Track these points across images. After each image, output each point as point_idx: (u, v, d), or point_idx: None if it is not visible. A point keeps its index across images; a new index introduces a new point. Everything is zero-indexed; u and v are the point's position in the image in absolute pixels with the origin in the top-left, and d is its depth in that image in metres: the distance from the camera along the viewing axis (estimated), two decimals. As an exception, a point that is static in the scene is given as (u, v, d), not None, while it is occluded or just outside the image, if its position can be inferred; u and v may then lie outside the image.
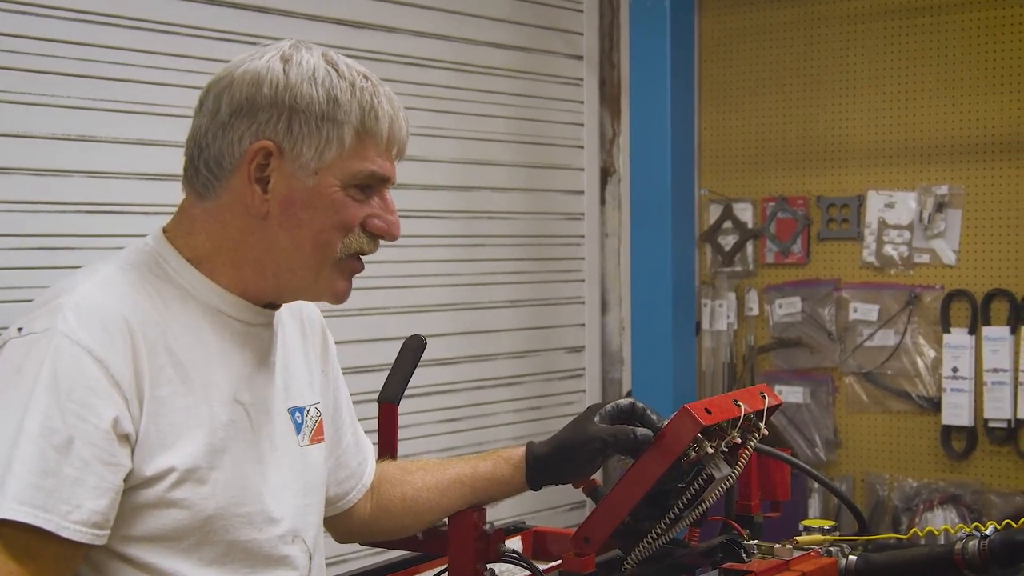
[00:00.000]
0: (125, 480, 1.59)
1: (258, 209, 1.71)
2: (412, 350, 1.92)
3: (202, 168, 1.73)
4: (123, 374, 1.60)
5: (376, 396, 2.11)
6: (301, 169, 1.70)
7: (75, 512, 1.53)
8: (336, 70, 1.73)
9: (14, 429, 1.53)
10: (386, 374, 2.11)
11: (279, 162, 1.70)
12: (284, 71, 1.71)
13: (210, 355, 1.71)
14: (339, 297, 1.79)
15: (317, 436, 1.87)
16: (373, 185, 1.75)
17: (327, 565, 1.94)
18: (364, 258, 1.80)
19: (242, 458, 1.71)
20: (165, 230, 1.78)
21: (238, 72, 1.73)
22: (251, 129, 1.70)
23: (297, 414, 1.85)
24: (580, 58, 4.77)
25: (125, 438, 1.59)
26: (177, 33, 3.40)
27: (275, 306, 1.81)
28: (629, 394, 4.74)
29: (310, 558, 1.82)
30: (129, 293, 1.67)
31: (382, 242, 1.79)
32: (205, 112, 1.74)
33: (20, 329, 1.62)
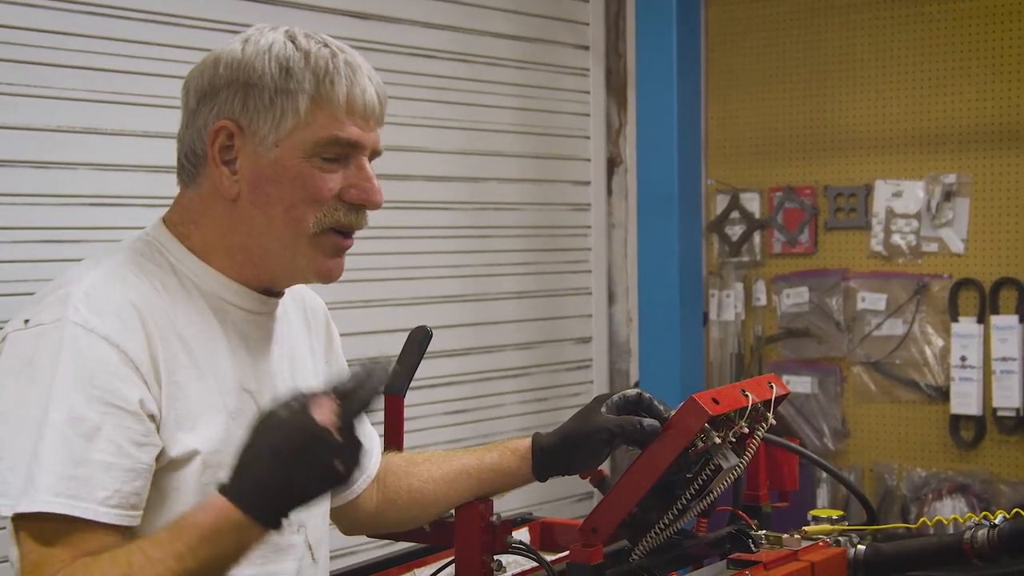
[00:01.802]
0: (156, 460, 1.60)
1: (229, 191, 1.70)
2: (418, 341, 1.91)
3: (184, 161, 1.75)
4: (141, 358, 1.60)
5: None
6: (261, 144, 1.69)
7: (113, 496, 1.54)
8: (293, 42, 1.71)
9: (37, 422, 1.53)
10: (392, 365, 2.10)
11: (242, 141, 1.69)
12: (241, 50, 1.71)
13: (216, 344, 1.71)
14: (323, 276, 1.75)
15: None
16: (344, 153, 1.72)
17: (334, 557, 1.94)
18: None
19: None
20: (165, 220, 1.78)
21: (206, 61, 1.75)
22: (213, 112, 1.70)
23: None
24: (586, 48, 4.75)
25: (151, 417, 1.60)
26: (183, 25, 3.39)
27: (276, 294, 1.79)
28: (636, 385, 4.73)
29: (309, 548, 1.81)
30: (135, 282, 1.67)
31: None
32: (183, 106, 1.76)
33: (26, 321, 1.61)
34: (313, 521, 1.82)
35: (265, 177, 1.69)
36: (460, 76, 4.25)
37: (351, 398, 1.45)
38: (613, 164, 4.82)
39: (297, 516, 1.76)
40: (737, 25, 4.74)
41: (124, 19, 3.28)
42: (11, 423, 1.55)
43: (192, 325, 1.69)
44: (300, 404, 1.45)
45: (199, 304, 1.71)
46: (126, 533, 1.57)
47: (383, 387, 1.45)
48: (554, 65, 4.63)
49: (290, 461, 1.44)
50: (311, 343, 1.92)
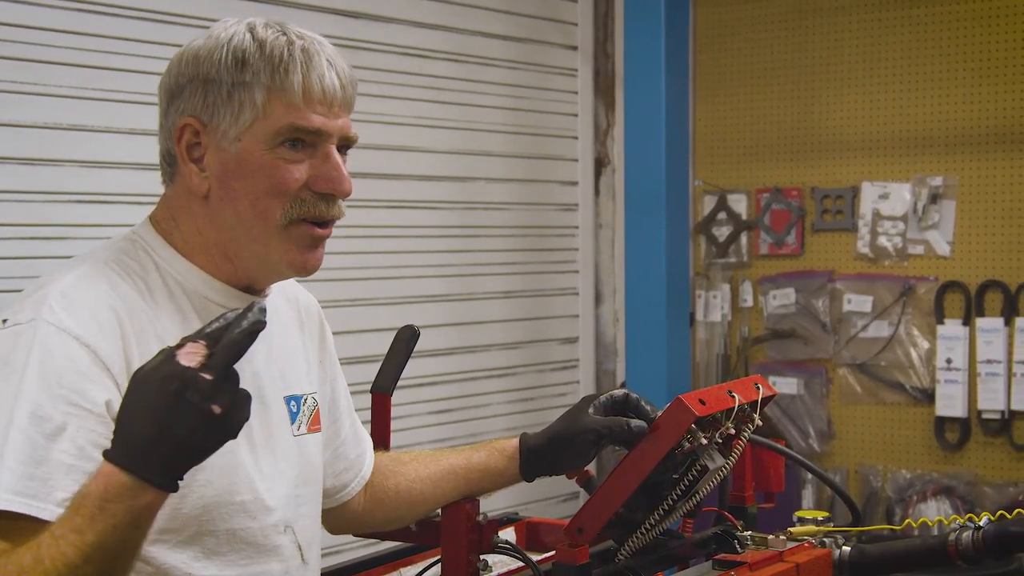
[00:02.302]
0: None
1: (199, 188, 1.69)
2: (405, 340, 1.91)
3: (161, 161, 1.74)
4: (113, 359, 1.58)
5: (369, 386, 2.10)
6: (224, 139, 1.67)
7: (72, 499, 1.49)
8: (252, 34, 1.69)
9: (4, 420, 1.51)
10: (379, 364, 2.10)
11: (207, 137, 1.68)
12: (203, 44, 1.70)
13: None
14: (298, 268, 1.72)
15: (314, 426, 1.85)
16: (310, 141, 1.68)
17: (321, 556, 1.93)
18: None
19: (235, 445, 1.63)
20: (151, 218, 1.76)
21: (173, 58, 1.73)
22: (178, 110, 1.69)
23: (292, 403, 1.82)
24: (575, 48, 4.76)
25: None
26: (173, 23, 3.38)
27: (255, 291, 1.77)
28: (623, 385, 4.74)
29: (299, 549, 1.79)
30: (116, 282, 1.65)
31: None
32: (159, 106, 1.75)
33: (5, 321, 1.60)
34: (302, 522, 1.81)
35: (231, 172, 1.68)
36: (450, 76, 4.25)
37: (220, 339, 1.38)
38: (601, 164, 4.82)
39: (283, 516, 1.75)
40: (725, 26, 4.75)
41: (114, 16, 3.28)
42: None
43: (174, 326, 1.66)
44: (165, 354, 1.39)
45: (182, 304, 1.70)
46: None
47: (256, 327, 1.36)
48: (543, 65, 4.64)
49: (162, 411, 1.36)
50: (304, 342, 1.91)
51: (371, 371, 2.12)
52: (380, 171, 4.02)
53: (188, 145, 1.69)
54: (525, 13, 4.54)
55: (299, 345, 1.89)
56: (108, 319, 1.60)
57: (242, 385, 1.71)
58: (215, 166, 1.68)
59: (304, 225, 1.70)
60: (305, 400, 1.85)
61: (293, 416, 1.82)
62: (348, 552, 3.29)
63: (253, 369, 1.76)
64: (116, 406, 1.53)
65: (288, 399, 1.82)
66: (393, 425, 2.10)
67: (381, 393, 1.89)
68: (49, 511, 1.48)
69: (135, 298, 1.65)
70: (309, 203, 1.69)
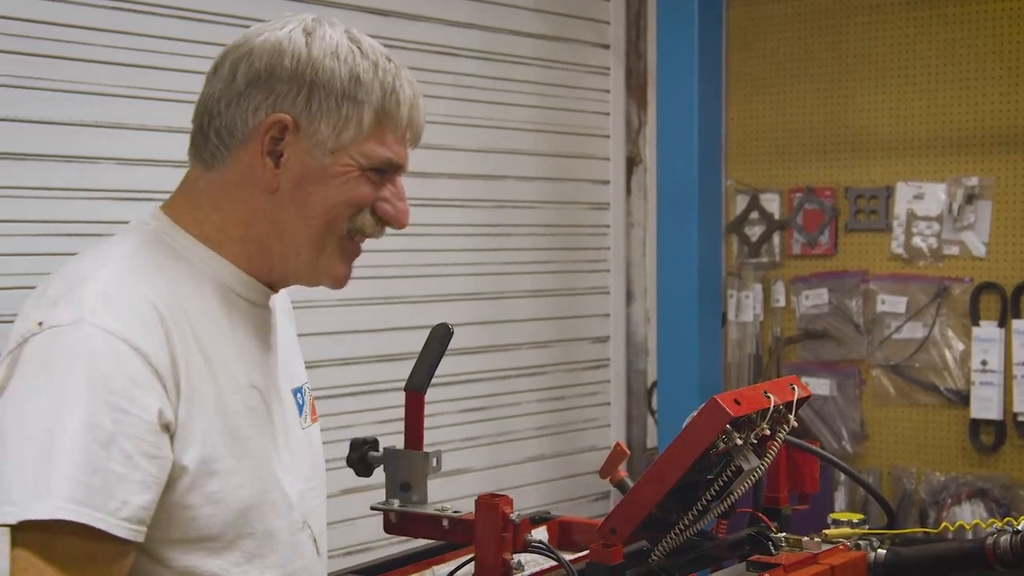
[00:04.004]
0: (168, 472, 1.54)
1: (268, 183, 1.66)
2: (439, 338, 1.89)
3: (212, 136, 1.68)
4: (161, 361, 1.54)
5: (401, 385, 2.09)
6: (317, 147, 1.65)
7: (123, 509, 1.47)
8: (359, 48, 1.68)
9: (52, 427, 1.46)
10: (410, 362, 2.10)
11: (294, 137, 1.65)
12: (307, 44, 1.66)
13: (225, 339, 1.66)
14: (338, 280, 1.73)
15: (314, 416, 1.85)
16: (387, 171, 1.71)
17: (351, 553, 1.93)
18: (379, 241, 1.77)
19: (262, 444, 1.68)
20: (165, 209, 1.72)
21: (258, 40, 1.67)
22: (268, 101, 1.64)
23: (298, 395, 1.82)
24: (607, 47, 4.75)
25: (166, 428, 1.54)
26: (209, 21, 3.39)
27: (273, 288, 1.76)
28: (654, 385, 4.72)
29: (315, 543, 1.78)
30: (150, 276, 1.61)
31: (390, 231, 1.75)
32: (219, 79, 1.68)
33: (40, 323, 1.53)
34: (315, 515, 1.79)
35: (312, 177, 1.65)
36: (480, 74, 4.25)
37: None
38: (632, 163, 4.81)
39: (302, 511, 1.73)
40: (758, 25, 4.73)
41: (149, 15, 3.29)
42: (23, 429, 1.48)
43: (203, 320, 1.63)
44: None
45: (208, 295, 1.66)
46: (131, 549, 1.51)
47: None
48: (575, 64, 4.63)
49: None
50: (293, 332, 1.90)
51: (403, 369, 2.12)
52: (411, 169, 4.01)
53: (271, 139, 1.65)
54: (557, 12, 4.54)
55: (292, 335, 1.89)
56: (152, 318, 1.56)
57: (265, 381, 1.71)
58: (295, 168, 1.65)
59: (352, 241, 1.72)
60: (304, 391, 1.85)
61: (300, 408, 1.82)
62: (380, 549, 3.30)
63: (272, 364, 1.75)
64: (166, 412, 1.53)
65: (294, 391, 1.82)
66: (424, 423, 2.09)
67: (415, 391, 1.88)
68: (104, 521, 1.46)
69: (169, 293, 1.61)
70: (368, 223, 1.71)
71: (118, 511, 1.47)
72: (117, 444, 1.48)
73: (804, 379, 4.51)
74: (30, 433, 1.47)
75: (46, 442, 1.46)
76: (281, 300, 1.85)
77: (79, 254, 1.69)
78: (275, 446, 1.71)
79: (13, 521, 1.45)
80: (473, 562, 1.73)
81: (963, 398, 4.33)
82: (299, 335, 1.89)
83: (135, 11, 3.26)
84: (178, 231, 1.68)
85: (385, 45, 1.80)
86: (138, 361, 1.52)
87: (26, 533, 1.45)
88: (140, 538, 1.50)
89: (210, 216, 1.69)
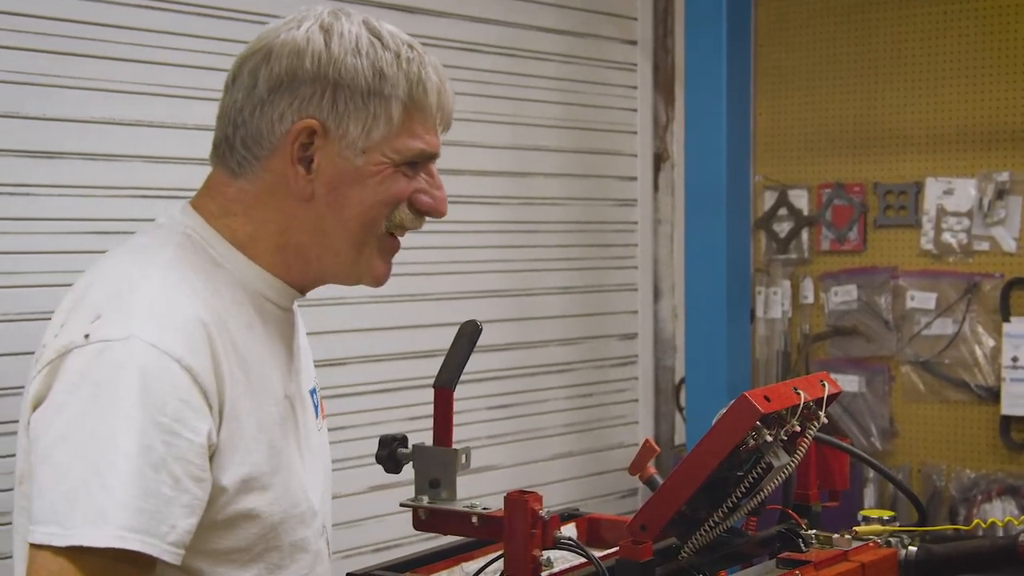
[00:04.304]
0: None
1: (302, 191, 1.61)
2: (468, 335, 1.89)
3: (238, 146, 1.63)
4: (208, 382, 1.51)
5: (430, 382, 2.09)
6: (348, 148, 1.61)
7: (171, 533, 1.45)
8: (380, 40, 1.63)
9: (106, 449, 1.42)
10: (439, 359, 2.10)
11: (324, 141, 1.61)
12: (326, 43, 1.61)
13: (261, 350, 1.64)
14: (378, 279, 1.71)
15: (323, 414, 1.84)
16: (420, 162, 1.67)
17: (380, 550, 1.93)
18: (407, 238, 1.72)
19: (291, 455, 1.66)
20: (198, 209, 1.67)
21: (276, 43, 1.62)
22: (292, 106, 1.60)
23: (313, 396, 1.80)
24: (634, 43, 4.74)
25: (209, 448, 1.51)
26: (234, 19, 3.40)
27: (304, 291, 1.73)
28: (682, 382, 4.71)
29: (327, 545, 1.77)
30: (196, 288, 1.57)
31: (429, 219, 1.70)
32: (240, 87, 1.64)
33: (87, 336, 1.48)
34: (329, 518, 1.79)
35: (346, 180, 1.61)
36: (505, 71, 4.25)
37: None
38: (660, 160, 4.79)
39: (322, 518, 1.71)
40: (787, 20, 4.71)
41: (179, 13, 3.30)
42: (70, 447, 1.44)
43: (242, 331, 1.60)
44: None
45: (244, 304, 1.63)
46: (161, 570, 1.48)
47: None
48: (601, 60, 4.62)
49: None
50: (304, 332, 1.87)
51: (431, 366, 2.12)
52: (437, 167, 4.02)
53: (301, 145, 1.61)
54: (584, 8, 4.53)
55: (304, 333, 1.86)
56: (200, 336, 1.52)
57: (293, 388, 1.68)
58: (328, 172, 1.61)
59: (391, 237, 1.69)
60: (316, 391, 1.83)
61: (316, 409, 1.80)
62: (408, 546, 3.30)
63: (299, 368, 1.73)
64: (212, 434, 1.50)
65: (311, 392, 1.80)
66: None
67: (444, 388, 1.88)
68: (156, 547, 1.43)
69: (213, 304, 1.57)
70: (407, 217, 1.67)
71: (166, 536, 1.44)
72: (167, 467, 1.45)
73: (833, 376, 4.51)
74: (80, 453, 1.43)
75: (100, 464, 1.42)
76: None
77: (111, 255, 1.64)
78: (300, 455, 1.69)
79: (62, 544, 1.41)
80: (502, 559, 1.72)
81: (993, 394, 4.30)
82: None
83: (165, 9, 3.27)
84: (215, 236, 1.64)
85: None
86: (188, 381, 1.48)
87: (77, 557, 1.41)
88: (179, 560, 1.48)
89: (244, 225, 1.64)
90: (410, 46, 1.67)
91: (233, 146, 1.65)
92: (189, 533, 1.48)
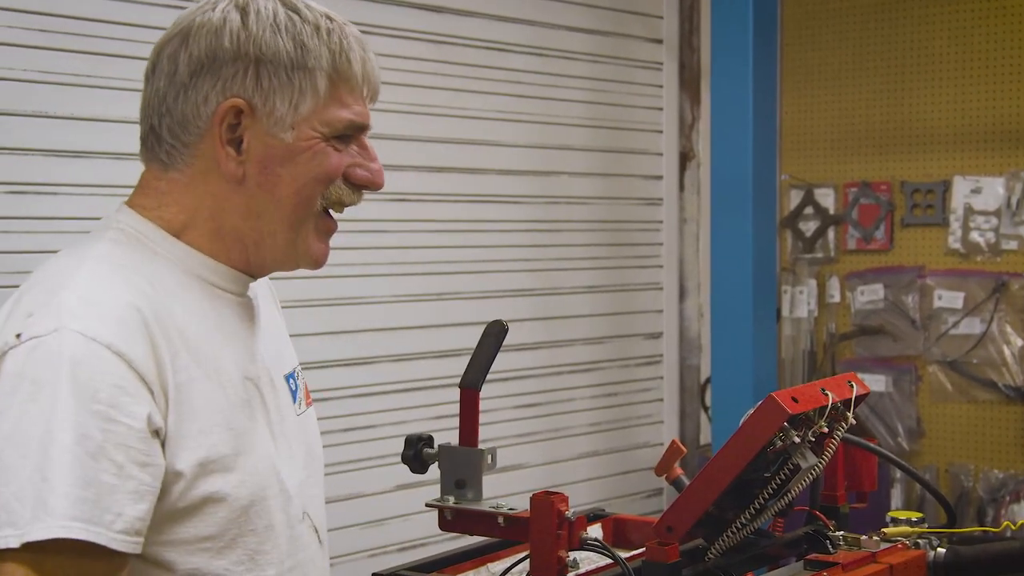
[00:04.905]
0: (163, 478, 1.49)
1: (233, 173, 1.59)
2: (494, 335, 1.88)
3: (165, 135, 1.60)
4: (147, 366, 1.48)
5: (456, 381, 2.09)
6: (276, 124, 1.58)
7: (118, 521, 1.42)
8: (298, 14, 1.60)
9: (41, 443, 1.41)
10: (464, 358, 2.09)
11: (251, 120, 1.57)
12: (243, 21, 1.58)
13: (212, 333, 1.61)
14: (317, 260, 1.67)
15: (308, 400, 1.80)
16: (351, 134, 1.63)
17: (406, 549, 1.92)
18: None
19: (260, 437, 1.63)
20: (132, 206, 1.65)
21: (193, 28, 1.59)
22: (216, 87, 1.57)
23: (290, 380, 1.77)
24: (660, 42, 4.73)
25: (156, 434, 1.48)
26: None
27: (254, 276, 1.70)
28: (707, 381, 4.70)
29: (316, 532, 1.74)
30: (130, 278, 1.55)
31: (369, 195, 1.66)
32: (160, 75, 1.60)
33: (19, 336, 1.47)
34: (313, 504, 1.75)
35: (277, 158, 1.59)
36: (532, 69, 4.25)
37: None
38: (686, 159, 4.78)
39: (301, 502, 1.68)
40: (813, 18, 4.69)
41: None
42: (15, 447, 1.42)
43: (188, 316, 1.57)
44: None
45: (190, 290, 1.60)
46: (126, 562, 1.46)
47: None
48: (627, 59, 4.61)
49: None
50: (279, 317, 1.84)
51: (456, 365, 2.12)
52: (463, 165, 4.02)
53: (228, 126, 1.58)
54: (610, 7, 4.52)
55: (278, 318, 1.83)
56: (134, 321, 1.49)
57: (257, 370, 1.65)
58: (258, 151, 1.59)
59: (326, 216, 1.66)
60: (297, 375, 1.80)
61: (293, 394, 1.76)
62: (434, 546, 3.31)
63: (262, 352, 1.70)
64: (155, 418, 1.47)
65: (287, 377, 1.76)
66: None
67: (470, 388, 1.87)
68: (102, 535, 1.41)
69: (150, 292, 1.55)
70: (344, 193, 1.64)
71: (112, 524, 1.42)
72: (106, 454, 1.42)
73: (859, 375, 4.49)
74: (23, 451, 1.42)
75: (40, 459, 1.41)
76: (262, 285, 1.79)
77: (51, 258, 1.62)
78: (272, 437, 1.66)
79: (16, 544, 1.40)
80: (528, 560, 1.72)
81: (1021, 394, 4.27)
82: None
83: (166, 6, 3.28)
84: (149, 227, 1.61)
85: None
86: (123, 367, 1.46)
87: (26, 554, 1.40)
88: (137, 549, 1.46)
89: (177, 214, 1.62)
90: (328, 17, 1.63)
91: (160, 136, 1.62)
92: (141, 520, 1.46)
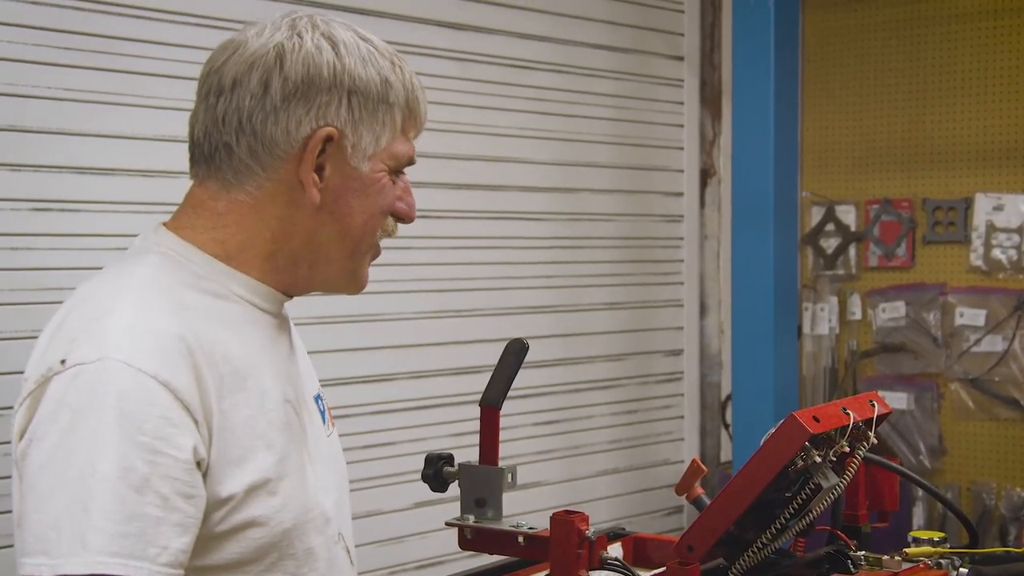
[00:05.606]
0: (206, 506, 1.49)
1: (312, 199, 1.60)
2: (514, 353, 1.89)
3: (243, 155, 1.60)
4: (191, 396, 1.48)
5: (476, 399, 2.09)
6: (358, 156, 1.61)
7: (163, 554, 1.42)
8: (375, 48, 1.63)
9: (85, 474, 1.40)
10: (485, 376, 2.10)
11: (336, 149, 1.60)
12: (335, 51, 1.60)
13: (255, 356, 1.61)
14: (363, 285, 1.71)
15: (333, 422, 1.82)
16: (402, 168, 1.69)
17: (423, 567, 1.92)
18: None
19: (299, 459, 1.63)
20: (172, 229, 1.64)
21: (286, 51, 1.59)
22: (310, 114, 1.58)
23: (319, 402, 1.78)
24: (681, 59, 4.73)
25: (199, 465, 1.48)
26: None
27: (289, 295, 1.71)
28: (728, 399, 4.69)
29: (348, 553, 1.75)
30: (173, 304, 1.54)
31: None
32: (246, 93, 1.60)
33: (63, 362, 1.46)
34: (346, 524, 1.76)
35: (352, 188, 1.62)
36: (553, 87, 4.25)
37: None
38: (707, 175, 4.78)
39: (337, 524, 1.69)
40: (834, 35, 4.69)
41: (215, 29, 3.33)
42: (53, 475, 1.42)
43: (233, 340, 1.57)
44: None
45: (233, 314, 1.60)
46: None
47: None
48: (648, 76, 4.61)
49: None
50: (299, 340, 1.84)
51: (477, 382, 2.12)
52: (485, 183, 4.03)
53: (317, 154, 1.60)
54: (630, 24, 4.53)
55: (301, 343, 1.83)
56: (179, 351, 1.49)
57: (295, 392, 1.66)
58: (335, 180, 1.61)
59: (376, 245, 1.70)
60: (321, 396, 1.80)
61: (323, 416, 1.77)
62: (453, 564, 3.30)
63: (298, 372, 1.72)
64: (200, 449, 1.47)
65: (316, 399, 1.77)
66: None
67: (490, 406, 1.87)
68: (145, 570, 1.41)
69: (194, 320, 1.54)
70: (391, 225, 1.69)
71: (157, 557, 1.42)
72: (151, 487, 1.42)
73: (881, 393, 4.47)
74: (61, 480, 1.41)
75: (79, 490, 1.40)
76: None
77: (87, 281, 1.62)
78: (310, 460, 1.66)
79: (49, 575, 1.39)
80: (548, 579, 1.72)
81: (1045, 413, 4.25)
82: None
83: (219, 28, 3.30)
84: (193, 251, 1.61)
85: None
86: (168, 397, 1.45)
87: None
88: None
89: (234, 235, 1.62)
90: (395, 54, 1.67)
91: (234, 154, 1.61)
92: (185, 552, 1.45)
